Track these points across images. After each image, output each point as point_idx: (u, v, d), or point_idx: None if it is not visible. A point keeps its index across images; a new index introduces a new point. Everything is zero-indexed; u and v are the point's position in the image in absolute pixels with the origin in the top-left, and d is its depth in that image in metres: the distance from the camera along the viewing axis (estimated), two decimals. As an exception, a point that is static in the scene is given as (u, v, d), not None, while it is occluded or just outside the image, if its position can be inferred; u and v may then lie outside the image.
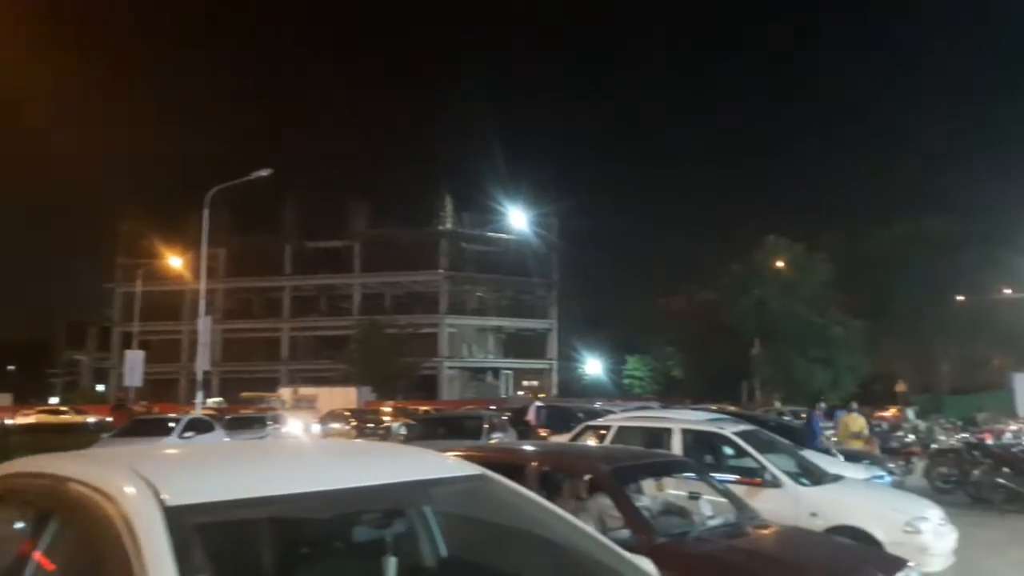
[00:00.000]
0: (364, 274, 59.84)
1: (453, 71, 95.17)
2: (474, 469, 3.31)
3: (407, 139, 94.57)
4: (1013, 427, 21.14)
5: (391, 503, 3.04)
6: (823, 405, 14.67)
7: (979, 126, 70.05)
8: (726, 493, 6.42)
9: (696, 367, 55.52)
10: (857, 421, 15.34)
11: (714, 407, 20.68)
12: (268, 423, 24.17)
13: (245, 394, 46.56)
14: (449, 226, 59.40)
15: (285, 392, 44.78)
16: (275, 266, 60.59)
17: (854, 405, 16.95)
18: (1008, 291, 38.14)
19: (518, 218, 43.26)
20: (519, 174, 63.93)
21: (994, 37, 72.74)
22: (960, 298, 40.48)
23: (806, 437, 12.93)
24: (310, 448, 4.46)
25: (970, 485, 13.62)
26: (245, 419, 25.16)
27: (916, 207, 44.38)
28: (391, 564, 2.88)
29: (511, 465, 6.48)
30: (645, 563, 3.13)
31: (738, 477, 8.11)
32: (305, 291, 62.16)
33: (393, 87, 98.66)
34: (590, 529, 3.17)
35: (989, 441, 16.16)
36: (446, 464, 3.41)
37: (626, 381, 61.38)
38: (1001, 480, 12.91)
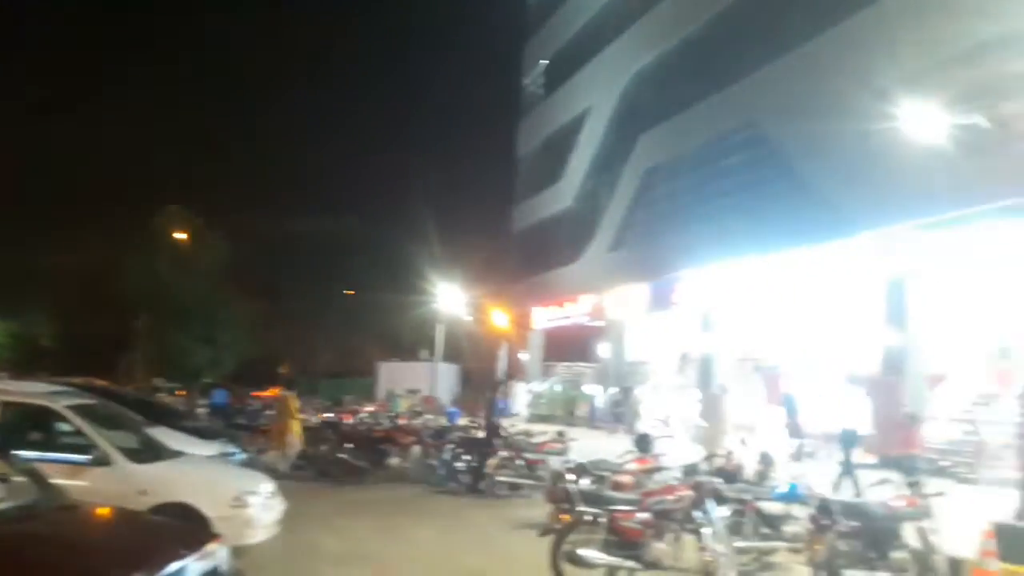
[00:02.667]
0: None
1: None
2: None
3: None
4: (369, 408, 23.85)
5: None
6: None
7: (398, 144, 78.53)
8: (30, 472, 5.59)
9: (71, 337, 49.76)
10: (295, 401, 15.16)
11: (79, 380, 18.73)
12: None
13: None
14: None
15: None
16: None
17: (291, 386, 16.87)
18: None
19: None
20: None
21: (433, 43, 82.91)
22: (349, 292, 45.32)
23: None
24: None
25: (317, 460, 14.82)
26: None
27: (324, 202, 48.13)
28: None
29: None
30: None
31: (65, 455, 7.30)
32: None
33: None
34: None
35: (348, 421, 17.77)
36: None
37: (-19, 349, 51.67)
38: (342, 455, 14.36)
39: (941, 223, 15.44)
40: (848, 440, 13.69)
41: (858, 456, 17.72)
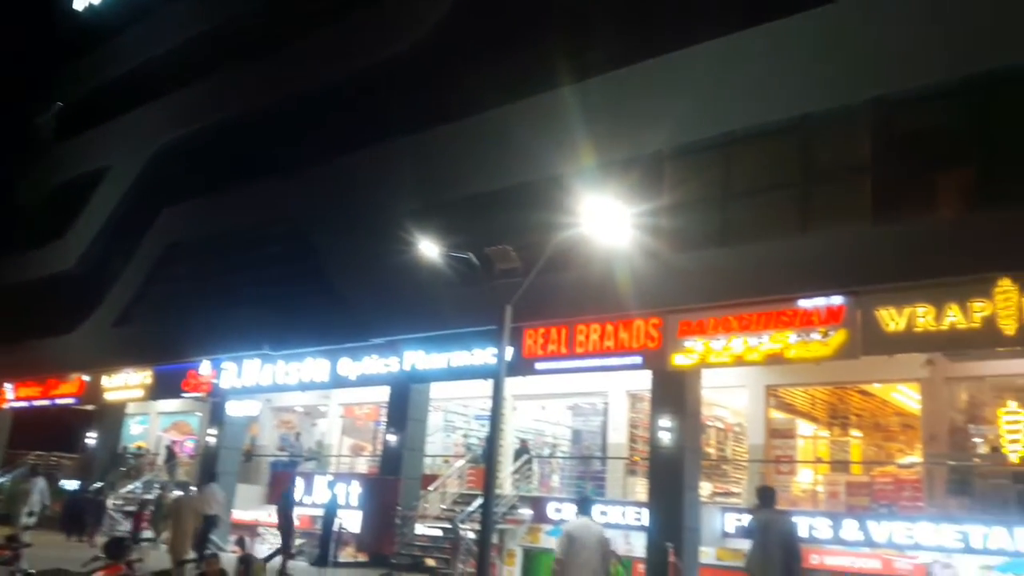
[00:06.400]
0: None
1: None
2: None
3: None
4: None
5: None
6: None
7: None
8: None
9: None
10: None
11: None
12: None
13: None
14: None
15: None
16: None
17: None
18: None
19: None
20: None
21: None
22: None
23: None
24: None
25: None
26: None
27: None
28: None
29: None
30: None
31: None
32: None
33: None
34: None
35: None
36: None
37: None
38: None
39: (439, 338, 17.22)
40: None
41: (349, 554, 18.26)
